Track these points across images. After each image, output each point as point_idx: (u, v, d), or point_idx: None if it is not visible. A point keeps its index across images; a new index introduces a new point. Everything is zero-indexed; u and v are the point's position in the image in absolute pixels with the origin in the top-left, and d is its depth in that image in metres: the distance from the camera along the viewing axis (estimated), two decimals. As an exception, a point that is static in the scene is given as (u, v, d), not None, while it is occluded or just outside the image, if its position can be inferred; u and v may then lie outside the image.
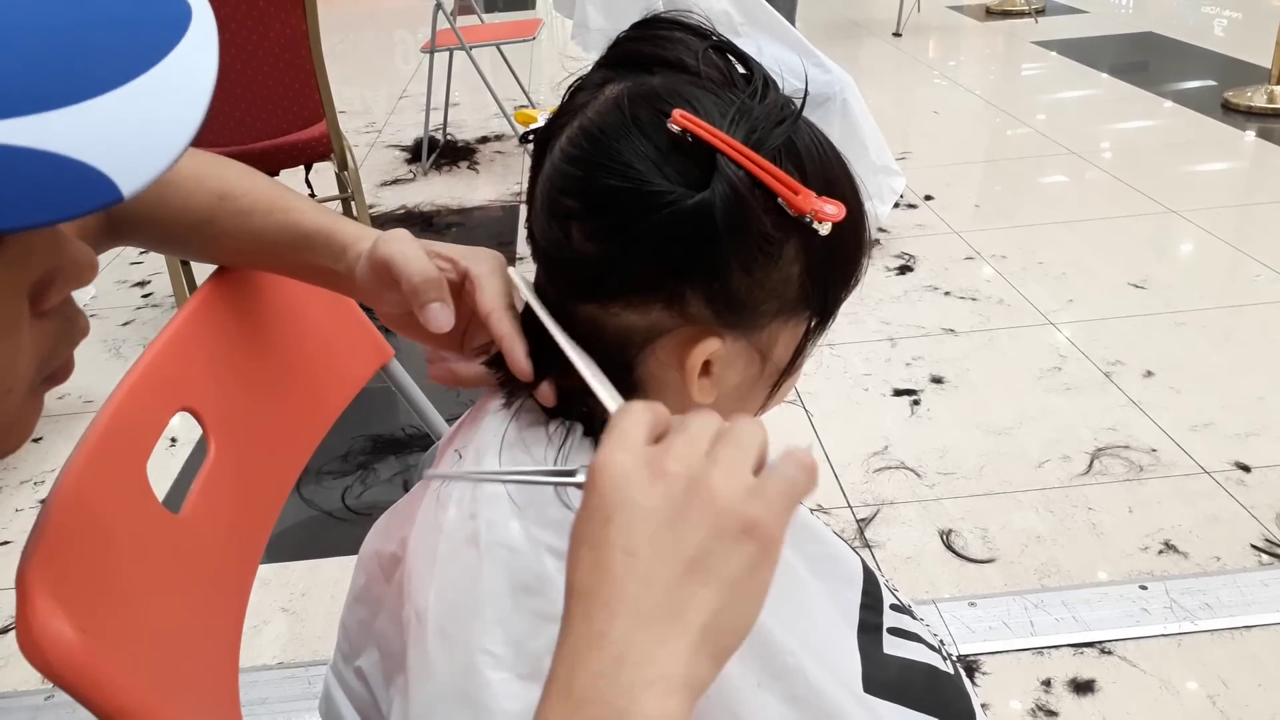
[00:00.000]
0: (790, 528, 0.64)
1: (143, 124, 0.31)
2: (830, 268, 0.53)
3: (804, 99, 0.52)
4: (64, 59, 0.30)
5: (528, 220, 0.56)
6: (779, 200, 0.48)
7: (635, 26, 0.54)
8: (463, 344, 0.64)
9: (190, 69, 0.32)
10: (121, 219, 0.70)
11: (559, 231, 0.52)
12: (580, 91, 0.54)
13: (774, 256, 0.50)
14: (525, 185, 0.56)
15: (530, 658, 0.49)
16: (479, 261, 0.60)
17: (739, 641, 0.40)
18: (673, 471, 0.40)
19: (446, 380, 0.63)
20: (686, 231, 0.48)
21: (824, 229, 0.49)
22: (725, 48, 0.53)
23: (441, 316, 0.57)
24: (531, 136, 0.56)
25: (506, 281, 0.60)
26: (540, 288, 0.57)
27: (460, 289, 0.60)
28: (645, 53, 0.53)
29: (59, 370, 0.41)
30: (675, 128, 0.47)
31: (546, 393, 0.56)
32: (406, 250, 0.60)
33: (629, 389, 0.55)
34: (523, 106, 4.22)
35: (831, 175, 0.52)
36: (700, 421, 0.42)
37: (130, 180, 0.30)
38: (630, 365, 0.54)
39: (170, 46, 0.32)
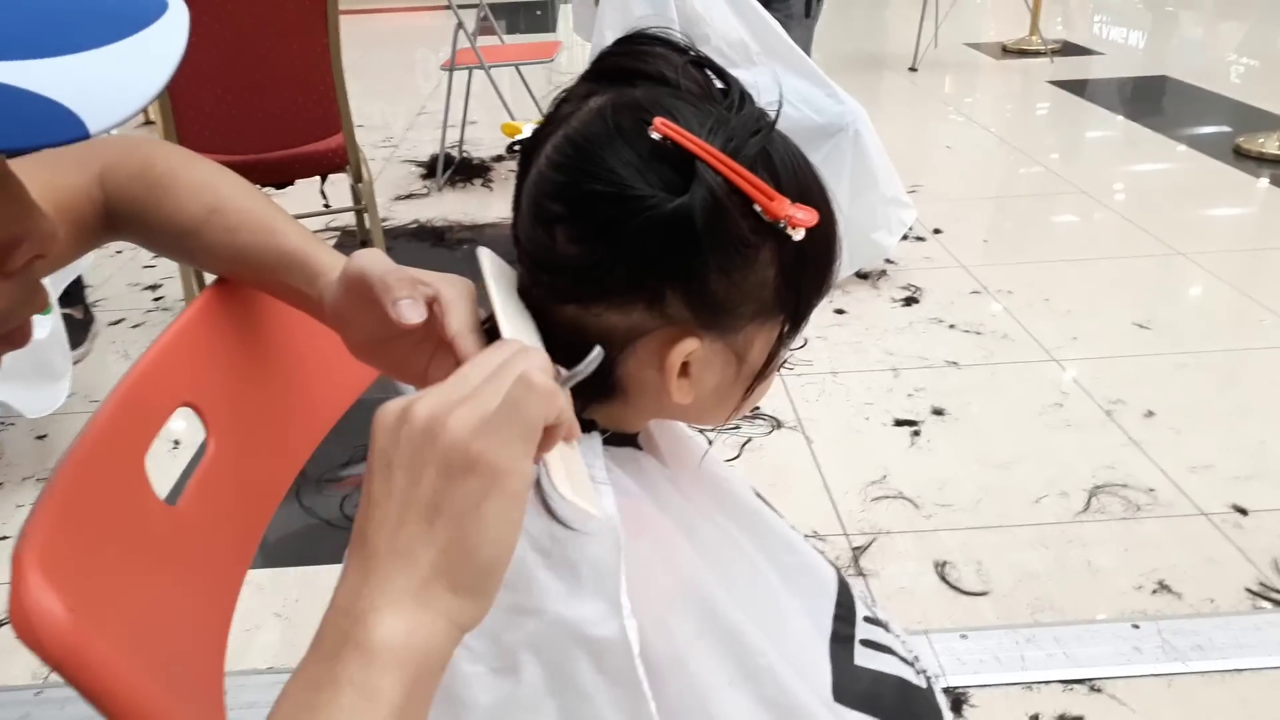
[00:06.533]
0: (765, 539, 0.66)
1: (113, 79, 0.36)
2: (803, 273, 0.55)
3: (778, 113, 0.54)
4: (51, 26, 0.36)
5: (513, 226, 0.58)
6: (755, 206, 0.50)
7: (618, 42, 0.56)
8: (426, 375, 0.64)
9: (160, 42, 0.38)
10: (119, 216, 0.72)
11: (544, 235, 0.54)
12: (565, 103, 0.56)
13: (750, 260, 0.52)
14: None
15: (505, 651, 0.51)
16: (448, 286, 0.61)
17: (476, 573, 0.42)
18: (416, 414, 0.42)
19: None
20: (667, 234, 0.50)
21: (797, 234, 0.51)
22: (703, 63, 0.55)
23: (412, 312, 0.58)
24: (518, 147, 0.58)
25: (474, 308, 0.61)
26: (524, 291, 0.59)
27: (429, 313, 0.60)
28: (627, 66, 0.55)
29: (15, 333, 0.44)
30: (656, 135, 0.50)
31: None
32: (379, 260, 0.61)
33: (609, 391, 0.57)
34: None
35: (805, 185, 0.54)
36: (482, 359, 0.45)
37: (97, 121, 0.34)
38: (611, 366, 0.56)
39: (144, 26, 0.38)
